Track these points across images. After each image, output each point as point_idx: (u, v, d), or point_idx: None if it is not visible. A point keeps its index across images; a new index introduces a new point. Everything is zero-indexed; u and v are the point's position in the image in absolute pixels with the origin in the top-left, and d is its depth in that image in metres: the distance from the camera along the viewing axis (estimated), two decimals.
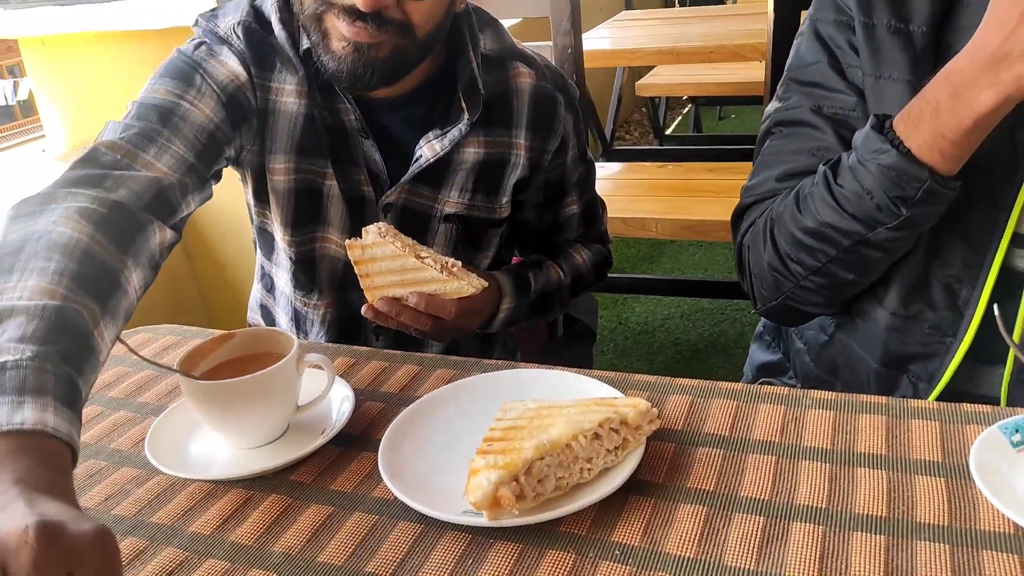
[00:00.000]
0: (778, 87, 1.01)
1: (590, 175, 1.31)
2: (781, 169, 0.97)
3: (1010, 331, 0.86)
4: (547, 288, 1.24)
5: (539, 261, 1.28)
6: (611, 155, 3.29)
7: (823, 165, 0.88)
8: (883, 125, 0.83)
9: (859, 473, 0.75)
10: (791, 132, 0.98)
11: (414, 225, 1.17)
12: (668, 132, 4.77)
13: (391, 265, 0.99)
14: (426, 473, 0.81)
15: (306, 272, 1.21)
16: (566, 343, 1.81)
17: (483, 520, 0.72)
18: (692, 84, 3.61)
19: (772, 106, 1.02)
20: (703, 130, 4.75)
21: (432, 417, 0.89)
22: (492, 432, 0.78)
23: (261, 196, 1.17)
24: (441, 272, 1.00)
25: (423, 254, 1.00)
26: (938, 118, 0.77)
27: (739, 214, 1.06)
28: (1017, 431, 0.75)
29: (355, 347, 1.10)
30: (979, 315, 0.87)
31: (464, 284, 1.01)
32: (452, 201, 1.17)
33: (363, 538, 0.75)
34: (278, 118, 1.07)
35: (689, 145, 4.35)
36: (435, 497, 0.76)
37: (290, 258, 1.20)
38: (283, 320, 1.30)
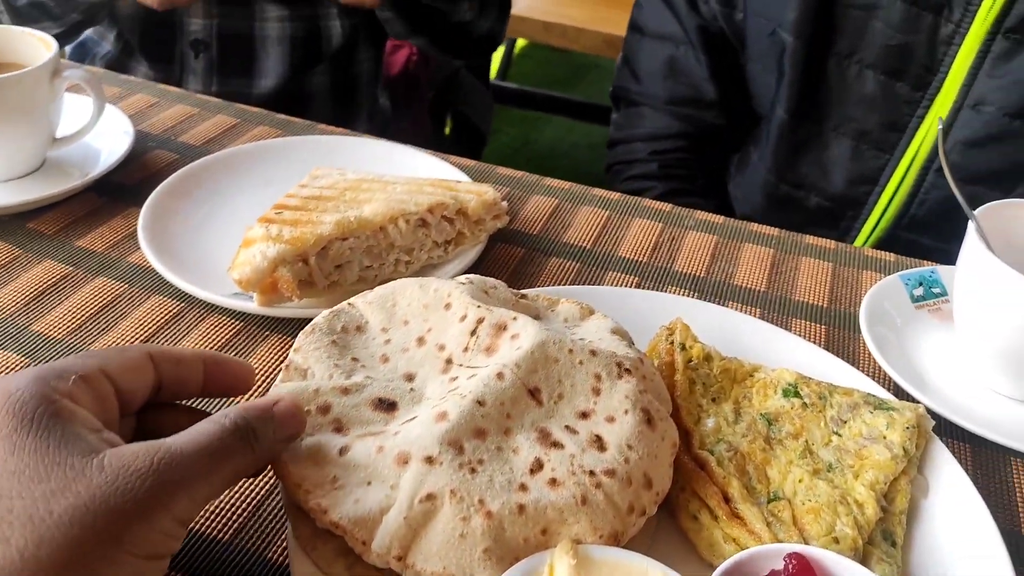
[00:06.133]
0: None
1: None
2: None
3: None
4: None
5: None
6: None
7: None
8: None
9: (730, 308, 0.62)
10: None
11: None
12: None
13: None
14: (199, 243, 0.63)
15: None
16: (453, 142, 1.62)
17: (252, 305, 0.55)
18: None
19: None
20: None
21: (224, 176, 0.69)
22: (288, 199, 0.60)
23: None
24: None
25: None
26: None
27: None
28: (920, 284, 0.63)
29: (165, 86, 0.88)
30: None
31: None
32: None
33: (99, 309, 0.57)
34: None
35: None
36: (204, 272, 0.59)
37: None
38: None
